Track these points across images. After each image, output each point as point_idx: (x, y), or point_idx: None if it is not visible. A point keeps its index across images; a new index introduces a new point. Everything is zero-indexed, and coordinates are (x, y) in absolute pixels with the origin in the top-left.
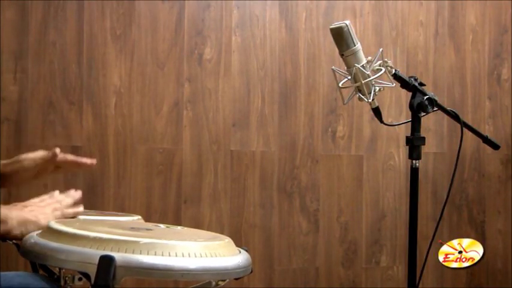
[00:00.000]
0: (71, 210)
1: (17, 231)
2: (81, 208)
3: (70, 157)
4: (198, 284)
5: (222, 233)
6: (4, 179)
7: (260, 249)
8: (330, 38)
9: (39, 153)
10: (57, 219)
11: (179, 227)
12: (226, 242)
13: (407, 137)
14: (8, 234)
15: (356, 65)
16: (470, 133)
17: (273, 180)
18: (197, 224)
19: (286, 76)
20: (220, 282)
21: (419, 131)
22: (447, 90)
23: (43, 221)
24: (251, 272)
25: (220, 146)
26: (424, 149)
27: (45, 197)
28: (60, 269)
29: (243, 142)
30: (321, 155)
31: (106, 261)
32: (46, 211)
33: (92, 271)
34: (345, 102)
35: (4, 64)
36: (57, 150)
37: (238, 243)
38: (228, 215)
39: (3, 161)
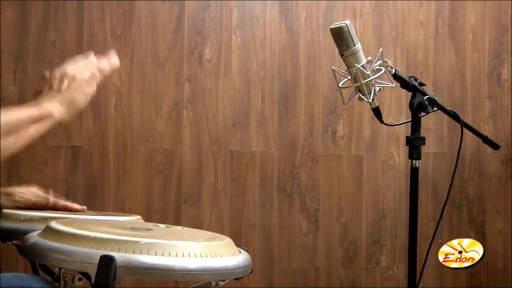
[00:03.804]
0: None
1: (67, 116)
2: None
3: (62, 203)
4: (198, 284)
5: (222, 233)
6: None
7: (260, 249)
8: (330, 38)
9: (32, 192)
10: (57, 220)
11: (179, 227)
12: (227, 242)
13: (407, 137)
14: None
15: (356, 65)
16: (470, 133)
17: (273, 180)
18: (197, 224)
19: (286, 76)
20: (220, 282)
21: (419, 131)
22: (447, 90)
23: (87, 89)
24: (251, 272)
25: (220, 146)
26: (424, 149)
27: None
28: (60, 269)
29: (243, 142)
30: (321, 155)
31: (106, 261)
32: (84, 76)
33: (92, 271)
34: (345, 102)
35: (4, 64)
36: (51, 199)
37: (238, 243)
38: (228, 215)
39: None
